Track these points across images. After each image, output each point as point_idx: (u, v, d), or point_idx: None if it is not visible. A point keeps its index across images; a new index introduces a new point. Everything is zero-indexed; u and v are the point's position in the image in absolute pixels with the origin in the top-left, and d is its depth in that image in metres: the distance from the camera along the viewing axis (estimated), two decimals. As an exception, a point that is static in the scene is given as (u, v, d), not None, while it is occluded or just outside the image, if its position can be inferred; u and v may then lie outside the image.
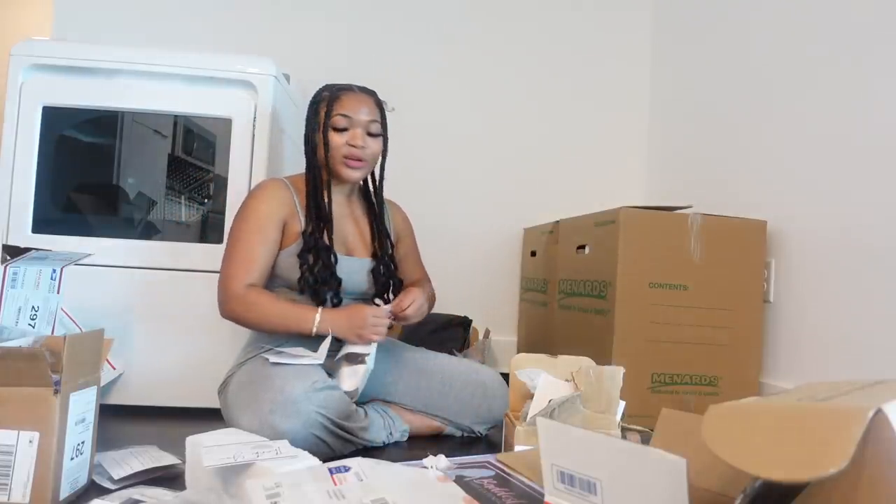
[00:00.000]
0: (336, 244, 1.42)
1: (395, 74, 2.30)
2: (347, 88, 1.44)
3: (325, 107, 1.41)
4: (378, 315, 1.34)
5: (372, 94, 1.46)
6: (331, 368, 1.37)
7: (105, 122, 1.66)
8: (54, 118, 1.61)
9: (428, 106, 2.36)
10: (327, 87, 1.46)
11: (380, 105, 1.46)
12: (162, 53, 1.65)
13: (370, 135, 1.42)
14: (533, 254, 2.24)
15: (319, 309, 1.34)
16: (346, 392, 1.32)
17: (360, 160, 1.42)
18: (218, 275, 1.38)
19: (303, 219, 1.41)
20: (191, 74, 1.64)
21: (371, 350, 1.35)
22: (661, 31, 2.47)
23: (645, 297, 1.62)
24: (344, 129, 1.40)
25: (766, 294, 1.74)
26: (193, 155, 1.69)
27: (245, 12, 2.27)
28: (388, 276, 1.48)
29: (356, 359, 1.36)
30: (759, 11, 1.90)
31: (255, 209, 1.38)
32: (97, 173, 1.70)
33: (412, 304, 1.39)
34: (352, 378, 1.34)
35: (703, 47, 2.18)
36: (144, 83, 1.63)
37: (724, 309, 1.67)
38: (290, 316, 1.33)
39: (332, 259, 1.39)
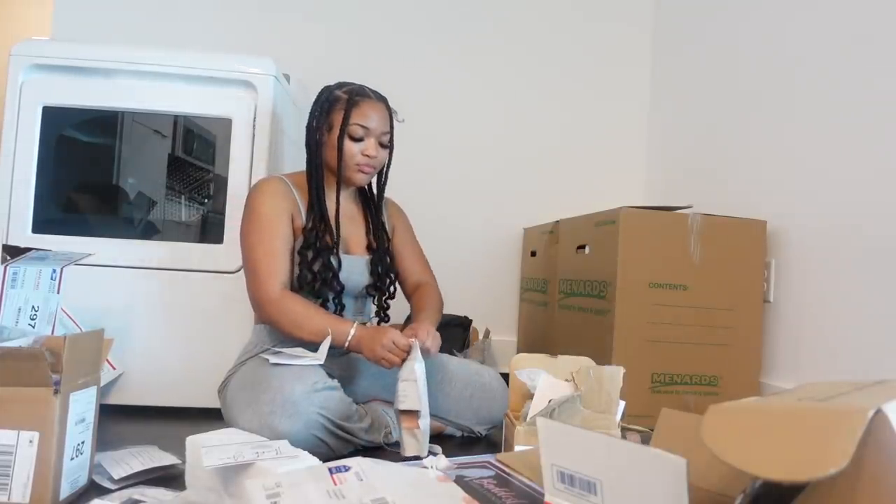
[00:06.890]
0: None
1: (394, 74, 2.29)
2: (365, 95, 1.43)
3: (341, 110, 1.40)
4: (397, 342, 1.29)
5: (385, 101, 1.46)
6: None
7: (105, 122, 1.66)
8: (54, 118, 1.61)
9: (428, 106, 2.35)
10: (343, 88, 1.44)
11: (391, 114, 1.46)
12: (162, 53, 1.64)
13: (381, 145, 1.44)
14: (533, 254, 2.23)
15: (355, 324, 1.33)
16: (407, 412, 1.24)
17: (372, 168, 1.44)
18: (245, 280, 1.37)
19: (304, 215, 1.41)
20: (191, 74, 1.63)
21: (416, 375, 1.25)
22: (661, 32, 2.47)
23: (645, 297, 1.61)
24: (360, 139, 1.40)
25: (766, 294, 1.74)
26: (193, 155, 1.69)
27: (245, 12, 2.27)
28: (385, 269, 1.49)
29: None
30: (758, 12, 1.90)
31: (260, 208, 1.38)
32: (97, 173, 1.70)
33: (428, 336, 1.35)
34: (410, 393, 1.24)
35: (704, 47, 2.18)
36: (144, 83, 1.63)
37: (724, 309, 1.67)
38: (325, 328, 1.31)
39: (336, 263, 1.39)
